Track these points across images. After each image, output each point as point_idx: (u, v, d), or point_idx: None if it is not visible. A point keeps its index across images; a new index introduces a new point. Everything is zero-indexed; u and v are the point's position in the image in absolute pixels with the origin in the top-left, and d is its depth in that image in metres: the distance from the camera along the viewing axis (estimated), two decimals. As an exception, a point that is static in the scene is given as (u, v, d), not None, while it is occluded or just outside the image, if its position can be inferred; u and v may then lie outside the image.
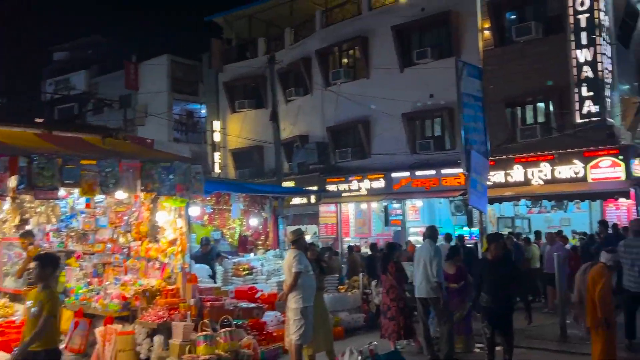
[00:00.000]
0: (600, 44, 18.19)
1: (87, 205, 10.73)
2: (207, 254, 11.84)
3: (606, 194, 17.47)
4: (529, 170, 19.18)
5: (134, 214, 9.96)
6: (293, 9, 27.90)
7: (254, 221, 11.98)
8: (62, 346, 8.06)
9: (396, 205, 22.81)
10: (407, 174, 22.19)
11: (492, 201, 19.16)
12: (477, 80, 12.26)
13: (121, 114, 33.15)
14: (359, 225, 24.84)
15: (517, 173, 19.44)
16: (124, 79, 33.81)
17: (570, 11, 18.67)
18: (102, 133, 10.07)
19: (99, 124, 13.59)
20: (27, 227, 10.62)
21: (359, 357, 7.30)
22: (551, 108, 19.61)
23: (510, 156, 19.57)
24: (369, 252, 15.85)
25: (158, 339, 8.40)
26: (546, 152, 18.89)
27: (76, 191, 8.82)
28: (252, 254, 12.42)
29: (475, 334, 9.67)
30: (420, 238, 14.58)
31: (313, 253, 8.82)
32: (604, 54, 18.37)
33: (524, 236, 16.55)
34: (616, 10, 19.56)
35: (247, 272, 10.97)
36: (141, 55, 34.52)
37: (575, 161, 18.31)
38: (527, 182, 19.18)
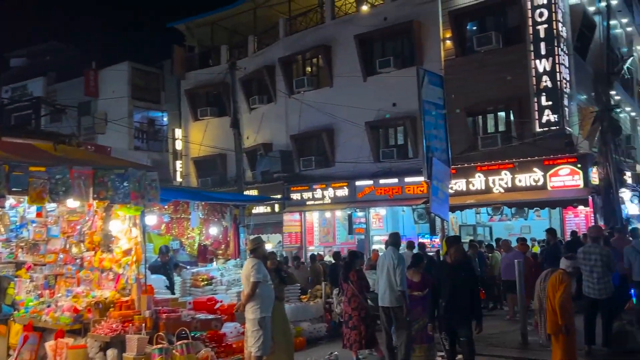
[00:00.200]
0: (558, 55, 18.55)
1: (39, 214, 10.29)
2: (166, 264, 11.52)
3: (565, 201, 17.76)
4: (490, 179, 19.38)
5: (87, 223, 9.58)
6: (256, 16, 27.75)
7: (213, 230, 11.72)
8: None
9: (360, 214, 22.80)
10: (370, 182, 22.22)
11: (454, 209, 19.35)
12: (438, 88, 12.30)
13: (81, 121, 32.47)
14: (323, 234, 24.71)
15: (478, 181, 19.63)
16: (83, 86, 33.14)
17: (530, 22, 19.02)
18: (55, 139, 9.68)
19: (52, 131, 13.14)
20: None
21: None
22: (511, 117, 19.87)
23: (471, 164, 19.75)
24: (333, 261, 15.71)
25: (111, 352, 8.06)
26: (507, 161, 19.12)
27: (26, 199, 8.43)
28: (213, 264, 12.16)
29: (437, 342, 9.59)
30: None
31: (273, 262, 8.63)
32: (563, 64, 18.73)
33: (486, 243, 16.67)
34: (574, 22, 20.01)
35: (206, 282, 10.69)
36: (101, 61, 33.92)
37: (535, 169, 18.57)
38: (488, 190, 19.37)
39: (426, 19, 21.49)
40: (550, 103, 18.55)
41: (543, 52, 18.70)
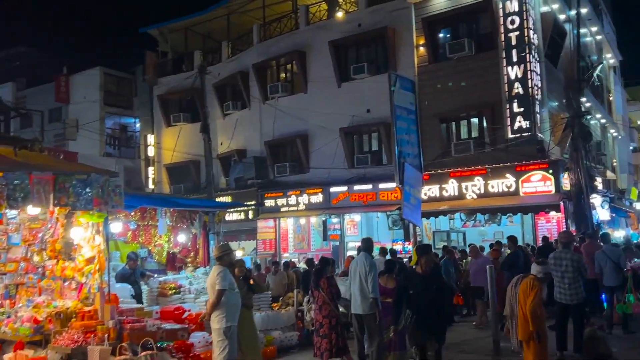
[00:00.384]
0: (530, 62, 18.69)
1: (-1, 222, 9.97)
2: (135, 271, 11.21)
3: (537, 207, 17.87)
4: (464, 184, 19.43)
5: (50, 231, 9.30)
6: (230, 22, 27.56)
7: (182, 237, 11.47)
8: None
9: (335, 220, 22.67)
10: (345, 188, 22.14)
11: (428, 215, 19.38)
12: (410, 94, 12.25)
13: (52, 127, 31.90)
14: (298, 240, 24.53)
15: (451, 187, 19.67)
16: (54, 92, 32.56)
17: (502, 29, 19.15)
18: (16, 144, 9.36)
19: (15, 136, 12.76)
20: None
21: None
22: (484, 123, 19.97)
23: (445, 170, 19.79)
24: (306, 268, 15.50)
25: (72, 364, 7.79)
26: (479, 167, 19.18)
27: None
28: (183, 272, 11.89)
29: (409, 349, 9.46)
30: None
31: (241, 270, 8.42)
32: (534, 71, 18.88)
33: (460, 249, 16.65)
34: (545, 30, 20.21)
35: (174, 291, 10.43)
36: (72, 67, 33.38)
37: (508, 175, 18.66)
38: (461, 196, 19.41)
39: (400, 25, 21.53)
40: (522, 109, 18.67)
41: (515, 59, 18.84)
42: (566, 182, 18.58)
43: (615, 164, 30.31)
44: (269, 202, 24.17)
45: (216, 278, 7.47)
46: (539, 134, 18.78)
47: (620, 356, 9.15)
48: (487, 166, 19.02)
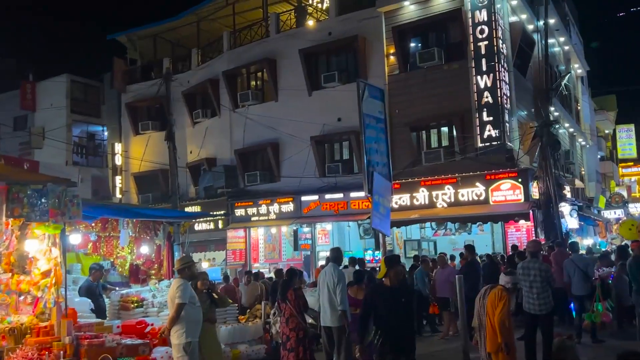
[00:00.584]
0: (499, 71, 18.81)
1: (-49, 234, 9.52)
2: (98, 283, 10.81)
3: (507, 215, 17.92)
4: (434, 193, 19.41)
5: (5, 243, 8.87)
6: (200, 29, 27.29)
7: (145, 249, 11.13)
8: None
9: (306, 229, 22.47)
10: (316, 197, 21.97)
11: (398, 224, 19.32)
12: (378, 102, 12.14)
13: (18, 135, 31.10)
14: (269, 250, 24.23)
15: (422, 196, 19.62)
16: (19, 99, 31.79)
17: (471, 38, 19.24)
18: (-31, 153, 8.98)
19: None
20: None
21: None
22: (454, 132, 20.00)
23: (415, 179, 19.75)
24: (275, 278, 15.26)
25: (26, 384, 7.43)
26: (450, 176, 19.18)
27: None
28: (148, 285, 11.54)
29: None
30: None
31: (204, 283, 8.15)
32: (503, 80, 19.01)
33: (431, 258, 16.54)
34: (513, 39, 20.39)
35: (136, 304, 10.09)
36: (39, 73, 32.69)
37: (478, 184, 18.69)
38: (432, 204, 19.38)
39: (370, 34, 21.51)
40: (491, 118, 18.76)
41: (484, 68, 18.94)
42: (535, 190, 18.68)
43: (583, 172, 30.75)
44: (239, 212, 23.87)
45: (176, 291, 7.20)
46: (508, 143, 18.88)
47: (589, 366, 9.11)
48: (457, 175, 19.04)
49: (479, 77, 19.00)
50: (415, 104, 20.11)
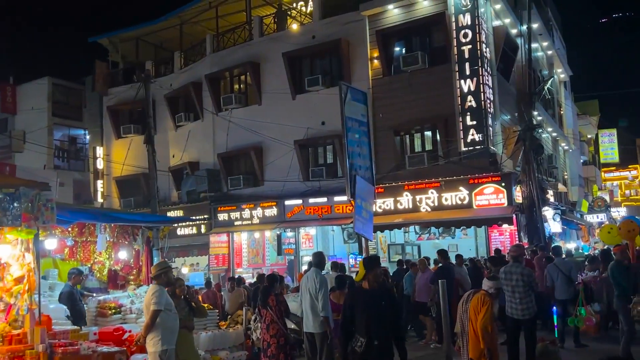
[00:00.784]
0: (482, 75, 18.82)
1: None
2: (77, 288, 10.54)
3: (490, 220, 17.89)
4: (418, 197, 19.35)
5: (-23, 249, 8.65)
6: (183, 32, 27.08)
7: (123, 254, 10.91)
8: None
9: (289, 234, 22.30)
10: (300, 201, 21.83)
11: (382, 228, 19.25)
12: (361, 105, 12.03)
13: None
14: (252, 255, 24.03)
15: (406, 200, 19.55)
16: (-1, 102, 31.45)
17: (454, 42, 19.23)
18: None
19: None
20: None
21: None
22: (438, 136, 19.98)
23: (399, 183, 19.69)
24: (257, 283, 15.06)
25: (-3, 394, 7.21)
26: (433, 180, 19.14)
27: None
28: (126, 291, 11.31)
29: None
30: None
31: (181, 289, 7.98)
32: (487, 84, 19.01)
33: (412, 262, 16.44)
34: (497, 44, 20.43)
35: (114, 311, 9.87)
36: (20, 76, 32.31)
37: (461, 188, 18.66)
38: (416, 208, 19.32)
39: (354, 38, 21.44)
40: (474, 122, 18.75)
41: (467, 72, 18.93)
42: (518, 194, 18.69)
43: (566, 176, 30.91)
44: (222, 216, 23.66)
45: (151, 298, 7.02)
46: (492, 147, 18.88)
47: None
48: (440, 179, 19.00)
49: (462, 81, 18.99)
50: (399, 108, 20.06)
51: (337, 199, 20.60)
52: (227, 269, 22.89)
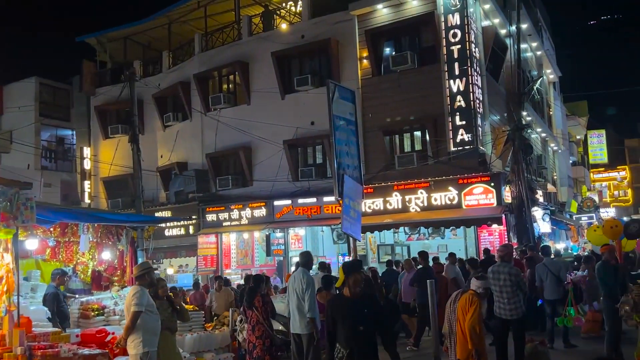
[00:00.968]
0: (472, 75, 18.76)
1: None
2: (61, 288, 10.35)
3: (479, 220, 17.83)
4: (407, 197, 19.27)
5: (-45, 249, 8.45)
6: (171, 32, 26.87)
7: (107, 254, 10.73)
8: None
9: (278, 234, 22.18)
10: (289, 202, 21.70)
11: (372, 229, 19.15)
12: (349, 104, 11.91)
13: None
14: (241, 256, 23.88)
15: (395, 200, 19.48)
16: (-15, 102, 31.07)
17: (444, 42, 19.16)
18: None
19: None
20: None
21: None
22: (427, 136, 19.91)
23: (389, 183, 19.60)
24: (243, 284, 14.92)
25: (-27, 398, 7.02)
26: (423, 180, 19.06)
27: None
28: (110, 292, 11.13)
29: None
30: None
31: (164, 290, 7.82)
32: (476, 84, 18.96)
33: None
34: (486, 44, 20.40)
35: (97, 312, 9.70)
36: (6, 76, 31.93)
37: (450, 188, 18.60)
38: (405, 209, 19.24)
39: (343, 37, 21.34)
40: (464, 122, 18.69)
41: (457, 72, 18.86)
42: (508, 194, 18.64)
43: (555, 177, 30.96)
44: (210, 217, 23.48)
45: (132, 299, 6.86)
46: (481, 147, 18.83)
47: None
48: (430, 179, 18.93)
49: (451, 81, 18.93)
50: (389, 108, 19.99)
51: (326, 199, 20.48)
52: (216, 270, 22.71)
